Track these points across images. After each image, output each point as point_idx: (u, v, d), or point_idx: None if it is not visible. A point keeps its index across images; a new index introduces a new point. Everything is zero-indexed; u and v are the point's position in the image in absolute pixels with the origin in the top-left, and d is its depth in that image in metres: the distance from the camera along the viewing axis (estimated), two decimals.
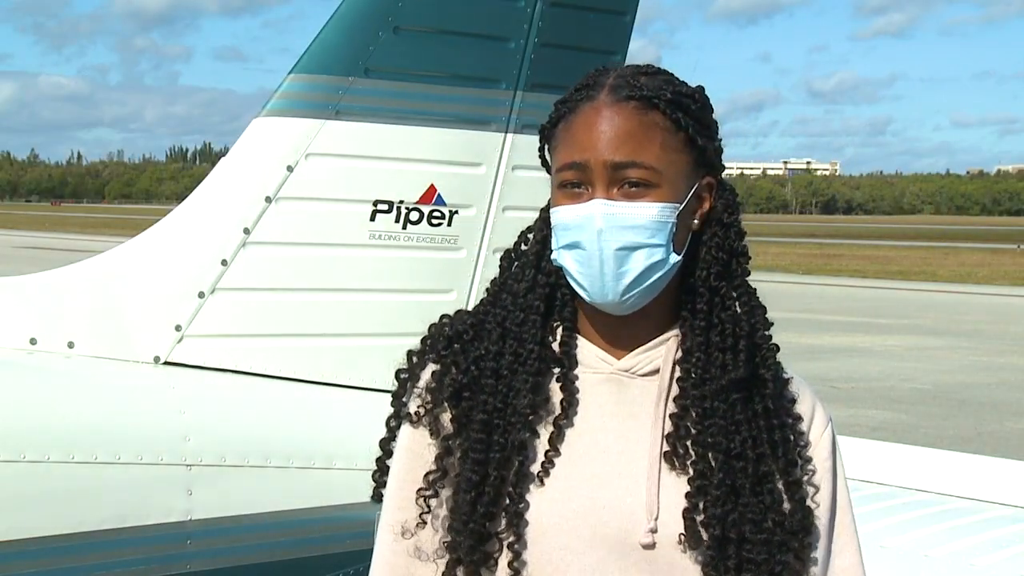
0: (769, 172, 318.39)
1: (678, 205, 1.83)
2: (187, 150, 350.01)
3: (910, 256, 63.07)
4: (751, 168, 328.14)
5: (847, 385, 18.26)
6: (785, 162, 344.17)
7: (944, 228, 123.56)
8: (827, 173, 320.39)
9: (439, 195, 4.23)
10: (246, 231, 3.99)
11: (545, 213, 1.95)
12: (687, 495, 1.82)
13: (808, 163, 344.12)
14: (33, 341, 3.81)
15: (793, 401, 1.92)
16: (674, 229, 1.83)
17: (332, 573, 3.76)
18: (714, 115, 1.91)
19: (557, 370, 1.88)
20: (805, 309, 30.72)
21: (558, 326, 1.91)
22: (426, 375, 1.93)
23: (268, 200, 4.01)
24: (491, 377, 1.87)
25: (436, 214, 4.24)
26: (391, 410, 1.99)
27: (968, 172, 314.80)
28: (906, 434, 14.15)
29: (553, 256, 1.88)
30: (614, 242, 1.80)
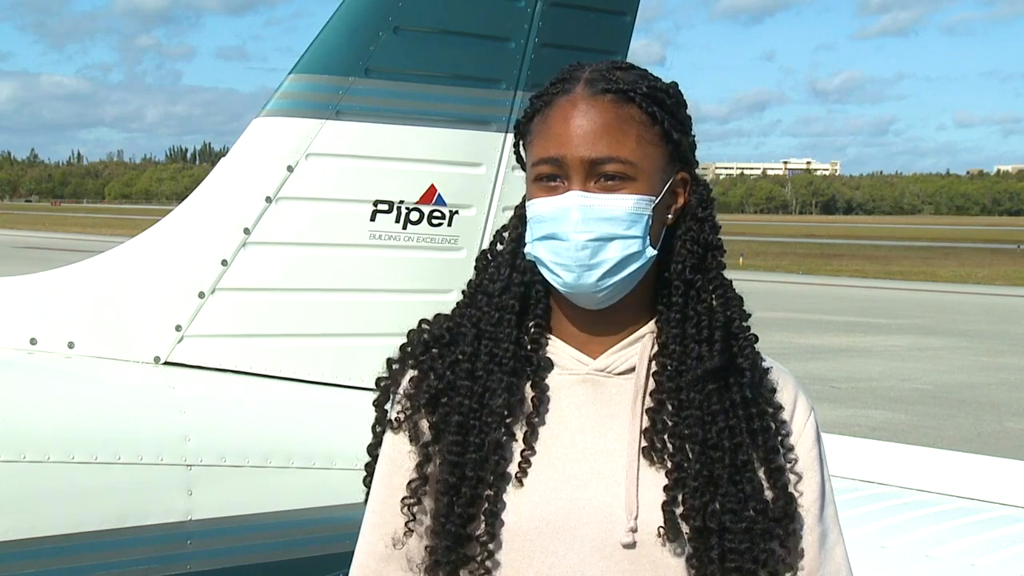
0: (769, 172, 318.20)
1: (654, 198, 1.83)
2: (187, 150, 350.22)
3: (910, 256, 63.13)
4: (751, 168, 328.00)
5: (847, 385, 18.26)
6: (785, 162, 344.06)
7: (944, 228, 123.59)
8: (827, 173, 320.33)
9: (439, 195, 4.23)
10: (246, 231, 3.99)
11: (520, 211, 1.95)
12: (665, 488, 1.82)
13: (808, 163, 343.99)
14: (33, 341, 3.80)
15: (773, 390, 1.92)
16: (650, 222, 1.83)
17: (332, 573, 3.76)
18: (687, 110, 1.92)
19: (530, 370, 1.89)
20: (805, 309, 30.74)
21: (532, 325, 1.91)
22: (405, 381, 1.94)
23: (268, 200, 4.01)
24: (466, 379, 1.87)
25: (436, 214, 4.23)
26: (375, 416, 2.00)
27: (968, 172, 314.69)
28: (906, 434, 14.16)
29: (527, 249, 1.88)
30: (590, 233, 1.80)
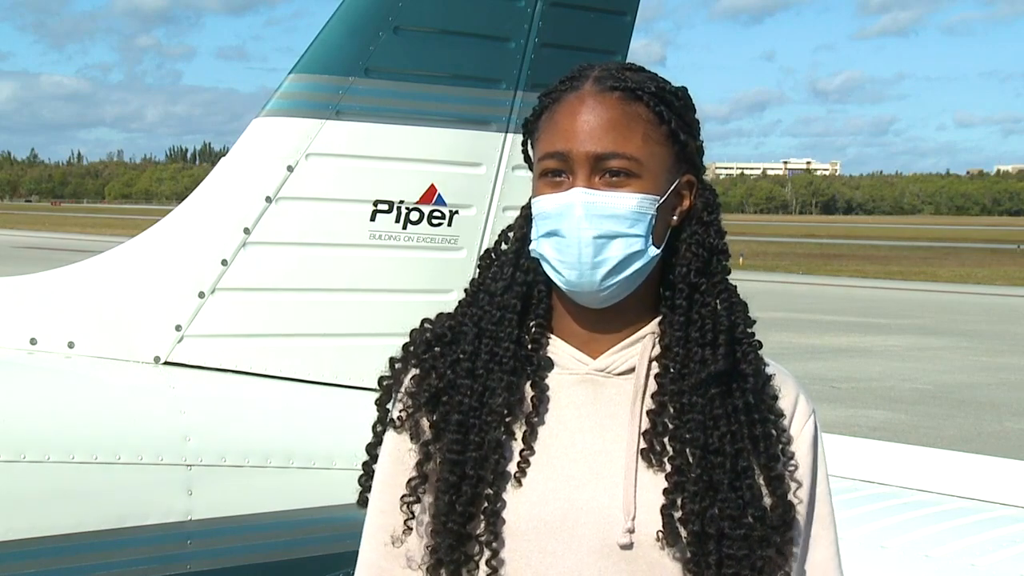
0: (769, 172, 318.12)
1: (658, 197, 1.83)
2: (187, 150, 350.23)
3: (910, 256, 63.15)
4: (751, 168, 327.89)
5: (847, 385, 18.26)
6: (785, 162, 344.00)
7: (944, 228, 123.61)
8: (827, 173, 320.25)
9: (439, 195, 4.23)
10: (246, 231, 3.99)
11: (526, 211, 1.95)
12: (664, 491, 1.82)
13: (808, 163, 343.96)
14: (33, 341, 3.81)
15: (775, 397, 1.91)
16: (653, 221, 1.83)
17: (332, 573, 3.76)
18: (696, 115, 1.92)
19: (530, 369, 1.89)
20: (805, 309, 30.75)
21: (533, 324, 1.91)
22: (407, 379, 1.94)
23: (268, 200, 4.01)
24: (467, 377, 1.87)
25: (436, 214, 4.24)
26: (377, 415, 2.00)
27: (968, 172, 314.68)
28: (906, 434, 14.16)
29: (532, 246, 1.88)
30: (593, 230, 1.80)
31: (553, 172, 1.83)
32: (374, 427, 2.00)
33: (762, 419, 1.88)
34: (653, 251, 1.84)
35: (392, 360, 1.99)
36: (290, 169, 4.03)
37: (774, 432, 1.88)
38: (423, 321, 1.99)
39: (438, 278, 4.25)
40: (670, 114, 1.84)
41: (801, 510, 1.91)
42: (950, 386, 18.63)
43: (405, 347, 1.98)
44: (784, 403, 1.93)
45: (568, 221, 1.80)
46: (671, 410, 1.86)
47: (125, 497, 3.48)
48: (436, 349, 1.93)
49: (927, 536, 4.54)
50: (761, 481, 1.86)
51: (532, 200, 1.89)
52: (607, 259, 1.81)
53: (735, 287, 1.93)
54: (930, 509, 4.91)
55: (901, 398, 17.41)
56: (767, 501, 1.85)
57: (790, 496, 1.87)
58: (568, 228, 1.80)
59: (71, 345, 3.83)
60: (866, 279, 45.13)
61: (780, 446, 1.88)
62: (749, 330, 1.90)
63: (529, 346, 1.89)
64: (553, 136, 1.84)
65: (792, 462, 1.89)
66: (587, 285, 1.82)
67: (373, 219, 4.14)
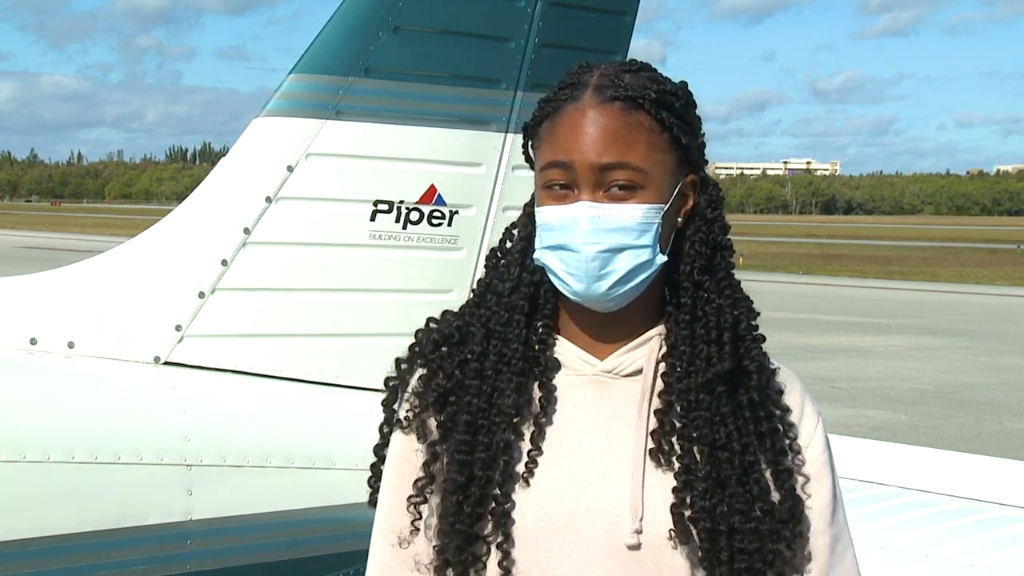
0: (769, 172, 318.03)
1: (663, 206, 1.83)
2: (187, 150, 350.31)
3: (910, 256, 63.14)
4: (751, 168, 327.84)
5: (847, 385, 18.27)
6: (785, 162, 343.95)
7: (944, 228, 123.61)
8: (827, 173, 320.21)
9: (439, 195, 4.23)
10: (246, 231, 3.99)
11: (529, 209, 1.95)
12: (674, 490, 1.82)
13: (808, 163, 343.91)
14: (33, 341, 3.80)
15: (780, 392, 1.91)
16: (659, 230, 1.83)
17: (332, 573, 3.76)
18: (697, 111, 1.91)
19: (537, 370, 1.88)
20: (805, 309, 30.74)
21: (540, 325, 1.91)
22: (414, 379, 1.94)
23: (268, 200, 4.01)
24: (475, 378, 1.87)
25: (436, 214, 4.23)
26: (383, 416, 2.00)
27: (968, 172, 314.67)
28: (906, 434, 14.16)
29: (536, 255, 1.88)
30: (600, 244, 1.79)
31: (557, 184, 1.83)
32: (381, 428, 1.99)
33: (768, 415, 1.88)
34: (661, 259, 1.84)
35: (398, 360, 1.98)
36: (290, 169, 4.03)
37: (780, 427, 1.89)
38: (429, 320, 1.98)
39: (438, 278, 4.25)
40: (672, 119, 1.83)
41: (821, 512, 1.91)
42: (950, 386, 18.63)
43: (411, 348, 1.98)
44: (791, 402, 1.93)
45: (574, 235, 1.80)
46: (678, 409, 1.86)
47: (125, 497, 3.48)
48: (443, 349, 1.92)
49: (927, 536, 4.54)
50: (769, 476, 1.86)
51: (536, 210, 1.88)
52: (614, 270, 1.80)
53: (739, 283, 1.92)
54: (930, 509, 4.91)
55: (901, 398, 17.41)
56: (775, 496, 1.85)
57: (798, 491, 1.87)
58: (574, 242, 1.80)
59: (71, 345, 3.83)
60: (866, 279, 45.14)
61: (787, 440, 1.88)
62: (753, 323, 1.90)
63: (536, 347, 1.89)
64: (555, 148, 1.83)
65: (800, 457, 1.89)
66: (594, 295, 1.82)
67: (373, 219, 4.14)
